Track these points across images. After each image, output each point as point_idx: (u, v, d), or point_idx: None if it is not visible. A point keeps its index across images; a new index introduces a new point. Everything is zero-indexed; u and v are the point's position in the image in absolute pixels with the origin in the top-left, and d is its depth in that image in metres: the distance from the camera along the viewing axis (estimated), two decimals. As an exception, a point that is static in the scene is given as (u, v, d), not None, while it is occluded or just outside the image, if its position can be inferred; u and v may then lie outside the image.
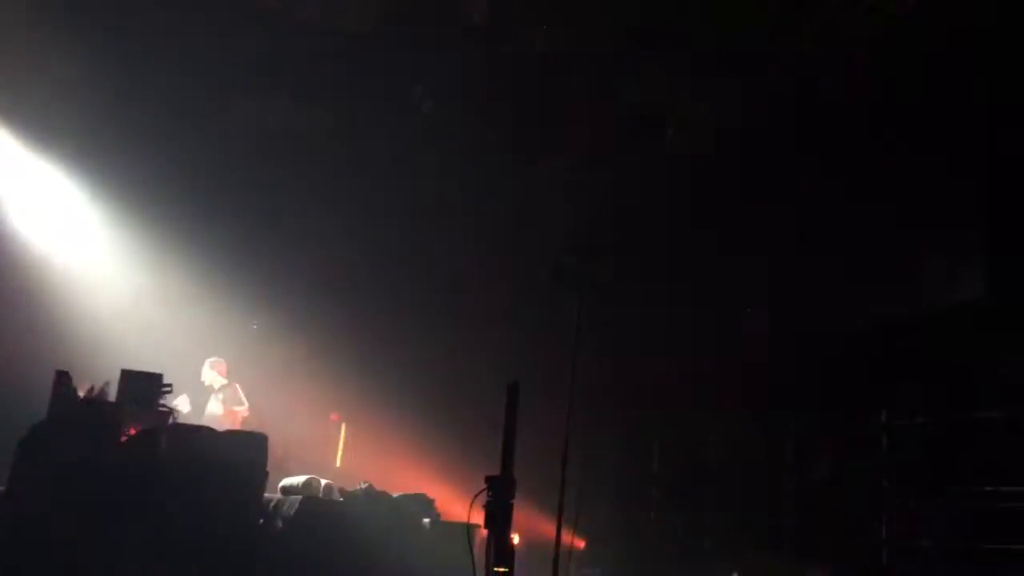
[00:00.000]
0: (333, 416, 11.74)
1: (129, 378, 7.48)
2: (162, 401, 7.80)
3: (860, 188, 7.96)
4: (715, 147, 9.17)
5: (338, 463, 11.44)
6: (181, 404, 9.27)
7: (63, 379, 6.97)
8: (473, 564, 4.94)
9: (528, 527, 8.37)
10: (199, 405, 9.85)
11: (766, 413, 8.87)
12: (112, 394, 7.31)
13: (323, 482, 8.71)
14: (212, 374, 9.99)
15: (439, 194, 10.52)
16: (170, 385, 7.92)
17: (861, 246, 8.01)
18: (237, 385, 10.07)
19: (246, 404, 9.91)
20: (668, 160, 9.65)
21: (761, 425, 8.90)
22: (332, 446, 11.65)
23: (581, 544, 9.63)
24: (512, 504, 4.98)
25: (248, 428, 9.38)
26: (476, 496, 4.99)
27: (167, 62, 9.25)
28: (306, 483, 8.55)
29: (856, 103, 7.85)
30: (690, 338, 9.66)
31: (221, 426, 9.11)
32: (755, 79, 8.27)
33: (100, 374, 7.40)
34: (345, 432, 11.71)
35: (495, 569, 4.81)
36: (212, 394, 10.01)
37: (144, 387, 7.60)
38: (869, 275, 7.90)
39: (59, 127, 9.83)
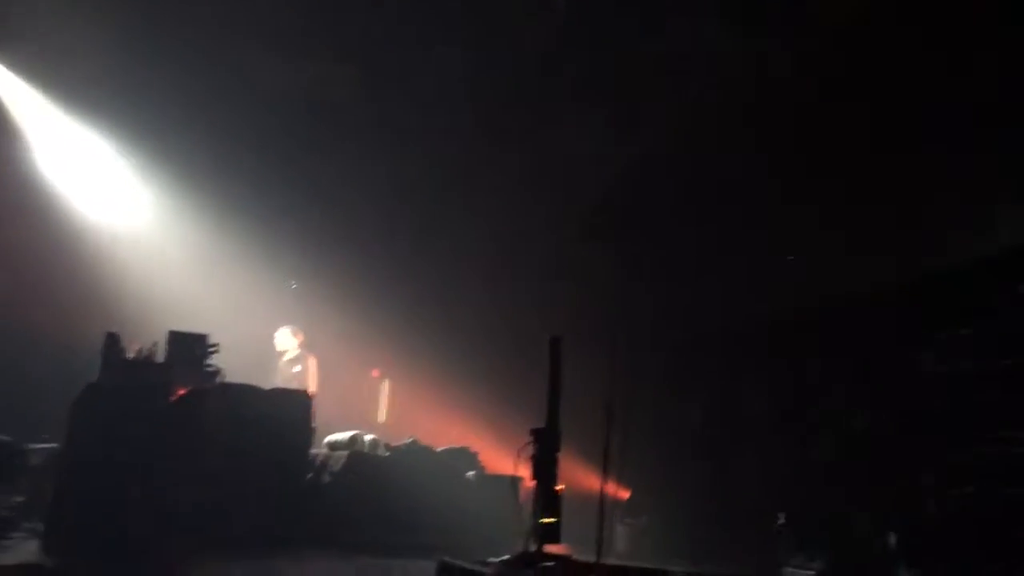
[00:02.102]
0: (375, 372, 11.84)
1: (176, 339, 7.61)
2: (208, 361, 7.94)
3: (902, 138, 7.78)
4: (755, 94, 8.99)
5: (381, 419, 11.56)
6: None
7: (113, 341, 7.09)
8: (520, 514, 4.98)
9: (572, 478, 8.44)
10: (266, 369, 9.86)
11: (805, 364, 8.81)
12: (160, 355, 7.43)
13: (368, 437, 8.83)
14: (293, 341, 9.90)
15: (477, 148, 10.45)
16: (216, 345, 8.04)
17: (905, 195, 7.85)
18: (314, 358, 9.91)
19: (314, 388, 9.60)
20: (704, 108, 9.49)
21: (801, 376, 8.85)
22: (374, 402, 11.76)
23: (625, 495, 9.71)
24: (558, 456, 5.00)
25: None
26: (522, 448, 5.02)
27: (203, 23, 9.24)
28: (352, 438, 8.68)
29: (901, 47, 7.64)
30: (730, 289, 9.58)
31: None
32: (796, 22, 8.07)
33: (148, 335, 7.52)
34: (388, 388, 11.81)
35: (542, 519, 4.84)
36: (283, 360, 9.90)
37: (191, 348, 7.73)
38: (914, 224, 7.76)
39: (101, 97, 9.91)
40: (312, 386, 9.54)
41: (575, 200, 10.15)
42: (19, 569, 5.09)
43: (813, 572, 6.10)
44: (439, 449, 9.09)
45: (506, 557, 4.90)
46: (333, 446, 8.76)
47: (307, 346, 9.98)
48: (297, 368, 9.74)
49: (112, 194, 10.70)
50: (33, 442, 7.52)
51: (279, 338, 9.91)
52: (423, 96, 9.98)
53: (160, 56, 9.39)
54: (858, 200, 8.36)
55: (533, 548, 4.85)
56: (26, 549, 6.09)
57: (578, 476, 8.35)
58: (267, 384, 8.88)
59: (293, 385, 9.33)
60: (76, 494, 6.24)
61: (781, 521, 7.64)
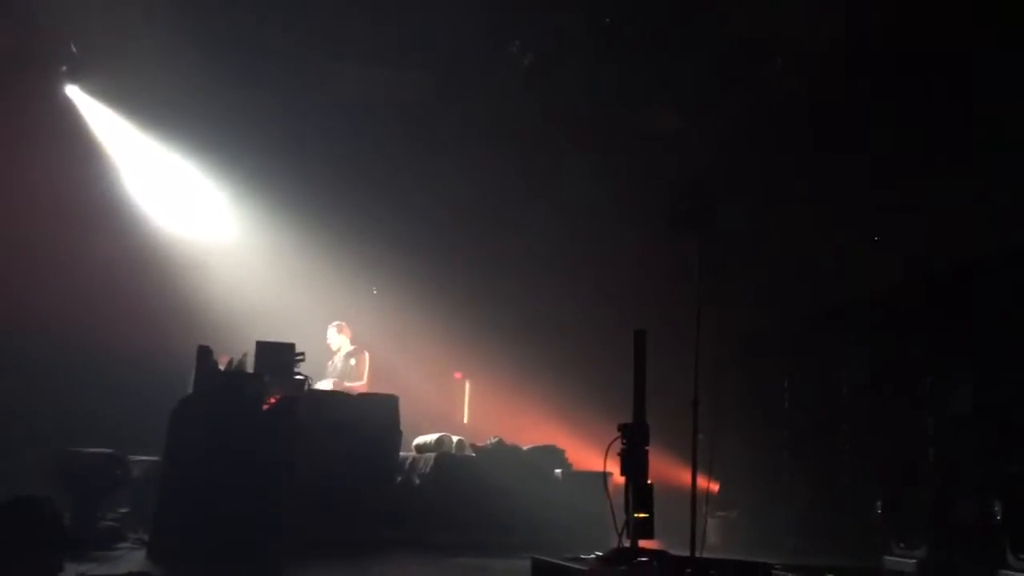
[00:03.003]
0: (456, 374, 11.93)
1: (264, 349, 7.77)
2: (296, 369, 8.10)
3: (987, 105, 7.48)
4: (823, 72, 8.78)
5: (465, 420, 11.65)
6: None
7: (205, 353, 7.28)
8: (612, 511, 4.95)
9: (661, 473, 8.36)
10: (322, 367, 9.99)
11: (899, 346, 8.55)
12: (250, 365, 7.60)
13: (455, 438, 8.91)
14: (340, 338, 10.04)
15: (550, 146, 10.45)
16: (303, 353, 8.19)
17: (990, 169, 7.55)
18: (366, 352, 10.01)
19: (364, 380, 9.74)
20: (778, 91, 9.31)
21: (894, 359, 8.59)
22: (458, 404, 11.85)
23: (715, 488, 9.59)
24: (647, 450, 4.96)
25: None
26: (611, 444, 4.99)
27: (275, 38, 9.46)
28: (438, 440, 8.78)
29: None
30: (816, 273, 9.37)
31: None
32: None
33: (237, 347, 7.71)
34: (470, 389, 11.89)
35: (635, 515, 4.80)
36: (336, 357, 10.03)
37: (279, 357, 7.89)
38: (1002, 199, 7.45)
39: (183, 117, 10.26)
40: (364, 379, 9.66)
41: (658, 187, 10.06)
42: (129, 578, 5.26)
43: (915, 561, 5.90)
44: (525, 447, 9.11)
45: (600, 554, 4.87)
46: (421, 448, 8.86)
47: (357, 340, 10.08)
48: (352, 362, 9.84)
49: (197, 210, 11.05)
50: (134, 454, 7.77)
51: (329, 336, 10.01)
52: (494, 93, 10.03)
53: (237, 73, 9.65)
54: (937, 175, 8.09)
55: (627, 544, 4.81)
56: (134, 558, 6.29)
57: (667, 470, 8.27)
58: (320, 381, 9.09)
59: (347, 380, 9.53)
60: (177, 503, 6.43)
61: (879, 509, 7.44)
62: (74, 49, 10.02)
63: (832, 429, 9.43)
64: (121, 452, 7.40)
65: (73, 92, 10.29)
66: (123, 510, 7.44)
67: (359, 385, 9.56)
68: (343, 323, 10.08)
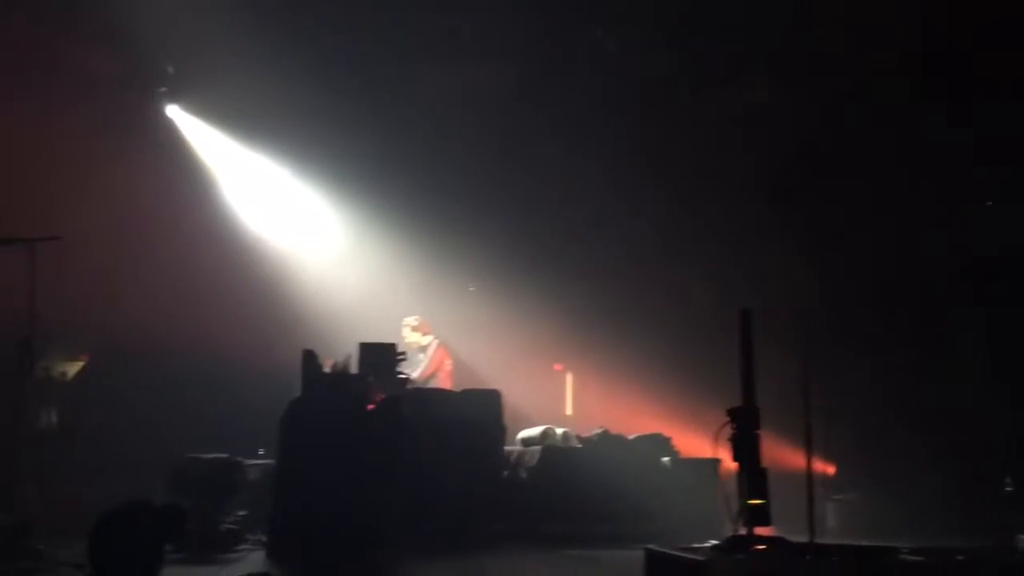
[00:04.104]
0: (557, 366, 11.88)
1: (367, 350, 7.89)
2: (398, 368, 8.21)
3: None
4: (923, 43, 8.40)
5: (568, 412, 11.59)
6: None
7: (310, 357, 7.43)
8: (726, 498, 4.81)
9: (774, 457, 8.14)
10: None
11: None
12: (354, 367, 7.72)
13: (559, 431, 8.87)
14: (415, 335, 9.97)
15: (640, 133, 10.31)
16: (404, 353, 8.30)
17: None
18: (435, 344, 9.94)
19: (418, 372, 9.58)
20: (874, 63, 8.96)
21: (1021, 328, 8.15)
22: (560, 396, 11.80)
23: (831, 470, 9.29)
24: (759, 434, 4.81)
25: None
26: (720, 429, 4.85)
27: (362, 42, 9.61)
28: (543, 433, 8.75)
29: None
30: (926, 244, 8.98)
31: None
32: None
33: (341, 350, 7.84)
34: (571, 380, 11.82)
35: (749, 501, 4.66)
36: (419, 353, 9.95)
37: (381, 357, 8.00)
38: None
39: (279, 128, 10.53)
40: (429, 370, 9.66)
41: (758, 162, 9.83)
42: (251, 578, 5.39)
43: (1052, 539, 5.59)
44: (631, 437, 9.00)
45: (715, 543, 4.75)
46: (526, 442, 8.85)
47: (433, 334, 10.04)
48: (420, 356, 9.84)
49: (296, 219, 11.32)
50: (249, 458, 7.99)
51: (406, 336, 9.95)
52: (581, 80, 9.94)
53: (328, 82, 9.85)
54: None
55: (742, 532, 4.67)
56: (253, 559, 6.46)
57: (779, 454, 8.04)
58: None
59: (419, 372, 9.55)
60: (292, 504, 6.58)
61: (1009, 486, 7.08)
62: (171, 70, 10.39)
63: (957, 404, 9.01)
64: (237, 456, 7.60)
65: (173, 111, 10.67)
66: (242, 513, 7.63)
67: (416, 374, 9.45)
68: (417, 319, 10.03)
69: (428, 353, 9.85)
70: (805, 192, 6.40)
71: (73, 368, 9.64)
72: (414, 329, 9.99)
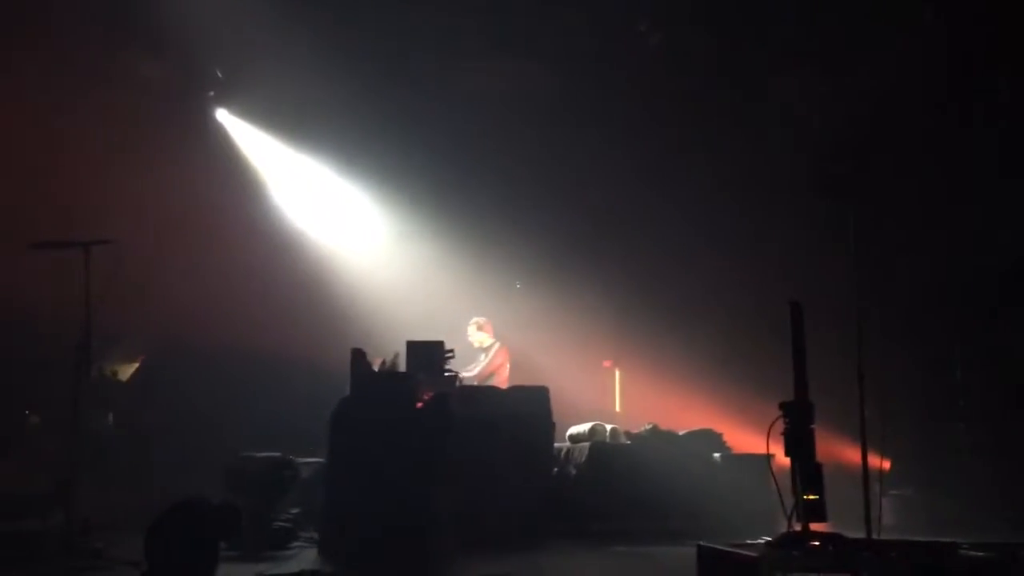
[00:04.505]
0: (606, 363, 11.82)
1: (415, 348, 7.93)
2: (447, 366, 8.22)
3: None
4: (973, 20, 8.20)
5: (617, 408, 11.53)
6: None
7: (358, 356, 7.48)
8: (780, 494, 4.73)
9: (829, 452, 8.00)
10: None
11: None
12: (402, 365, 7.77)
13: (608, 427, 8.83)
14: (480, 334, 10.13)
15: (686, 126, 10.22)
16: (452, 350, 8.31)
17: None
18: (497, 345, 10.05)
19: (476, 372, 9.74)
20: (923, 46, 8.76)
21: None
22: (609, 393, 11.75)
23: (888, 465, 9.11)
24: (813, 429, 4.72)
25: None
26: (772, 424, 4.77)
27: (396, 39, 9.66)
28: (592, 429, 8.72)
29: None
30: (981, 240, 8.76)
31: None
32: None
33: (389, 348, 7.88)
34: (620, 377, 11.76)
35: (805, 497, 4.58)
36: (483, 354, 10.11)
37: (430, 355, 8.03)
38: None
39: (320, 127, 10.66)
40: (488, 370, 9.75)
41: (807, 152, 9.68)
42: (300, 574, 5.44)
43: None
44: (681, 433, 8.92)
45: (768, 539, 4.67)
46: (575, 438, 8.83)
47: (497, 335, 10.13)
48: (482, 357, 9.93)
49: (345, 219, 11.43)
50: (301, 456, 8.07)
51: (470, 334, 10.09)
52: (627, 78, 9.88)
53: (374, 82, 9.92)
54: None
55: (797, 528, 4.59)
56: (306, 557, 6.53)
57: (834, 449, 7.92)
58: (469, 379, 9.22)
59: (478, 371, 9.70)
60: (343, 502, 6.62)
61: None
62: (219, 74, 10.55)
63: (1012, 399, 8.78)
64: (290, 455, 7.69)
65: (222, 116, 10.83)
66: (295, 510, 7.72)
67: (469, 375, 9.56)
68: (483, 320, 10.15)
69: (490, 354, 9.94)
70: (856, 185, 6.26)
71: (130, 369, 9.86)
72: (479, 328, 10.09)
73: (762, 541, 4.64)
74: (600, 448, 8.46)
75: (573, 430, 8.90)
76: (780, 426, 4.86)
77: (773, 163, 10.07)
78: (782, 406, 4.75)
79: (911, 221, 9.60)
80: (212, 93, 10.73)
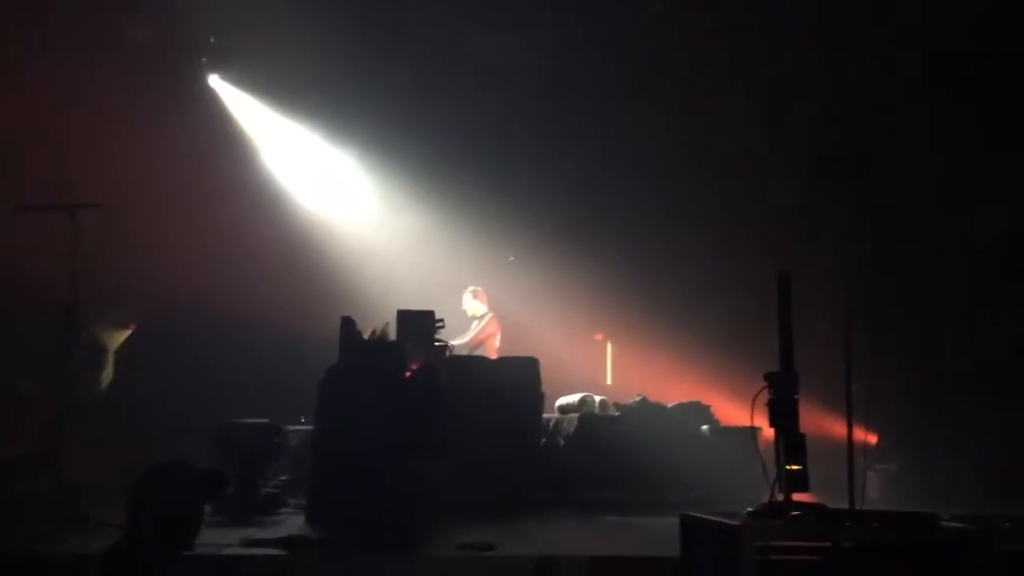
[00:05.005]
0: (598, 336, 11.84)
1: (405, 318, 7.92)
2: (437, 336, 8.22)
3: None
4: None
5: (608, 381, 11.57)
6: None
7: (348, 324, 7.47)
8: (763, 465, 4.74)
9: (815, 425, 8.04)
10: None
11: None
12: (392, 334, 7.76)
13: (598, 398, 8.85)
14: (475, 303, 10.14)
15: (685, 97, 10.16)
16: (442, 320, 8.30)
17: None
18: (490, 316, 10.06)
19: (467, 339, 9.80)
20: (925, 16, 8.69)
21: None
22: (600, 365, 11.78)
23: (874, 439, 9.15)
24: (797, 399, 4.71)
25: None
26: (757, 395, 4.76)
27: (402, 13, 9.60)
28: (581, 400, 8.74)
29: None
30: (978, 215, 8.73)
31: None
32: None
33: (379, 318, 7.87)
34: (611, 350, 11.79)
35: (788, 468, 4.58)
36: (476, 322, 10.12)
37: (420, 325, 8.03)
38: None
39: (316, 95, 10.61)
40: (478, 339, 9.79)
41: (801, 130, 9.63)
42: (286, 540, 5.47)
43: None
44: (670, 405, 8.94)
45: (751, 509, 4.68)
46: (564, 409, 8.84)
47: (493, 306, 10.15)
48: (474, 325, 9.96)
49: (338, 188, 11.39)
50: (290, 424, 8.09)
51: (464, 302, 10.13)
52: (624, 50, 9.81)
53: (371, 51, 9.88)
54: None
55: (780, 498, 4.60)
56: (293, 523, 6.56)
57: (821, 422, 7.95)
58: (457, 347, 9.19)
59: (467, 338, 9.76)
60: (329, 469, 6.64)
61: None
62: (212, 40, 10.45)
63: (1003, 371, 8.80)
64: (278, 422, 7.70)
65: (215, 82, 10.75)
66: (284, 477, 7.75)
67: (460, 343, 9.57)
68: (478, 288, 10.18)
69: (482, 323, 9.95)
70: (852, 161, 6.23)
71: (121, 336, 9.86)
72: (475, 296, 10.11)
73: (745, 511, 4.64)
74: (589, 419, 8.48)
75: (562, 401, 8.92)
76: (765, 396, 4.85)
77: (769, 137, 10.02)
78: (767, 376, 4.73)
79: (907, 197, 9.57)
80: (205, 59, 10.64)
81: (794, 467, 4.55)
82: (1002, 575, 3.89)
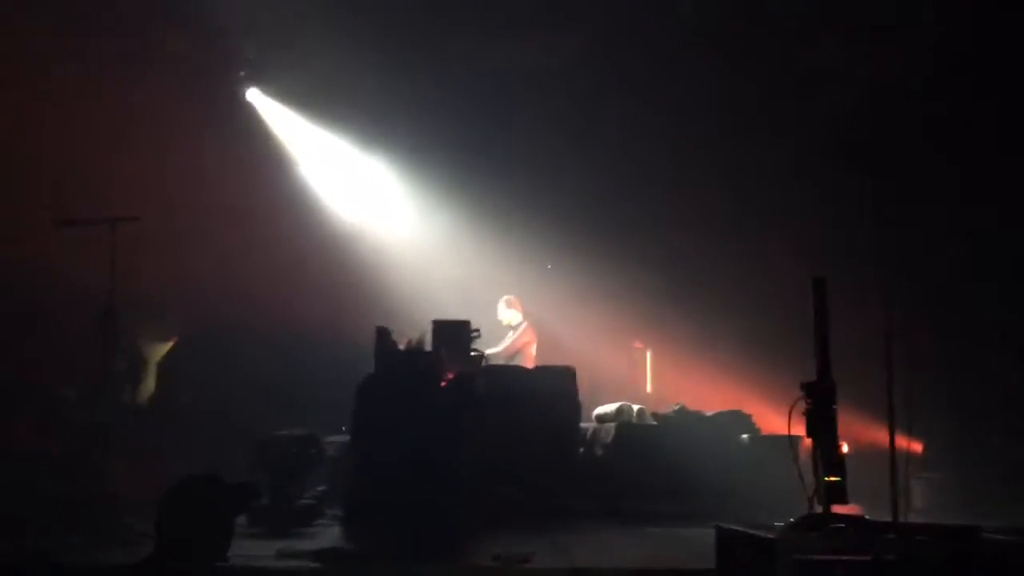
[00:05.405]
0: (637, 344, 11.76)
1: (440, 328, 7.92)
2: (473, 345, 8.21)
3: None
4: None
5: (648, 389, 11.47)
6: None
7: (384, 334, 7.48)
8: (800, 476, 4.65)
9: (857, 434, 7.89)
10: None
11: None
12: (428, 343, 7.76)
13: (635, 407, 8.77)
14: (510, 312, 10.13)
15: (710, 97, 10.06)
16: (478, 330, 8.29)
17: None
18: (525, 324, 10.05)
19: (501, 348, 9.80)
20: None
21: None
22: (640, 373, 11.69)
23: (918, 448, 8.95)
24: (835, 410, 4.61)
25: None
26: (793, 405, 4.68)
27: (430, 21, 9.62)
28: (619, 410, 8.67)
29: None
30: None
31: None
32: None
33: (415, 327, 7.87)
34: (651, 358, 11.70)
35: (826, 479, 4.49)
36: (511, 331, 10.12)
37: (455, 334, 8.02)
38: None
39: (349, 106, 10.68)
40: (515, 348, 9.78)
41: (826, 125, 9.47)
42: (320, 552, 5.47)
43: None
44: (709, 413, 8.84)
45: (790, 520, 4.59)
46: (601, 418, 8.78)
47: (527, 314, 10.14)
48: (511, 334, 9.94)
49: (374, 198, 11.46)
50: (328, 435, 8.11)
51: (500, 311, 10.10)
52: (647, 45, 9.74)
53: (402, 60, 9.91)
54: None
55: (819, 510, 4.51)
56: (330, 535, 6.56)
57: (862, 431, 7.79)
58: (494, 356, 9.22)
59: (504, 347, 9.75)
60: (366, 480, 6.64)
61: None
62: (250, 55, 10.59)
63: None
64: (316, 433, 7.73)
65: (253, 95, 10.88)
66: (321, 488, 7.77)
67: (494, 351, 9.57)
68: (512, 297, 10.17)
69: (517, 332, 9.93)
70: (884, 157, 6.09)
71: (163, 349, 9.99)
72: (509, 305, 10.11)
73: (783, 523, 4.56)
74: (626, 428, 8.41)
75: (600, 410, 8.86)
76: (803, 406, 4.76)
77: (805, 137, 9.87)
78: (804, 386, 4.65)
79: (948, 195, 9.35)
80: (243, 73, 10.78)
81: (833, 479, 4.47)
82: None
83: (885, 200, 5.78)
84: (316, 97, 10.74)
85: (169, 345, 10.15)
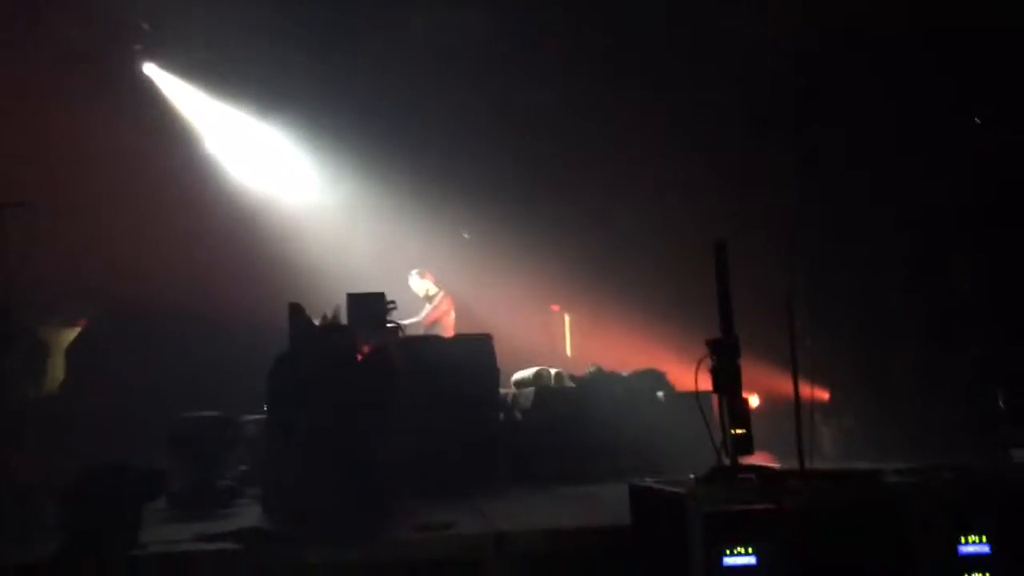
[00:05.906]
0: (554, 307, 11.86)
1: (355, 301, 7.86)
2: (389, 318, 8.17)
3: None
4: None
5: (568, 352, 11.60)
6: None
7: (297, 310, 7.38)
8: (708, 429, 4.79)
9: (768, 387, 8.13)
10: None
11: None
12: (343, 318, 7.69)
13: (553, 371, 8.86)
14: (423, 283, 10.14)
15: (628, 67, 10.11)
16: (394, 302, 8.25)
17: None
18: (442, 294, 10.12)
19: (420, 319, 9.90)
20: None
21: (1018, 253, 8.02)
22: (559, 337, 11.80)
23: (824, 395, 9.27)
24: (739, 365, 4.75)
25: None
26: (700, 362, 4.80)
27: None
28: (536, 374, 8.75)
29: None
30: (926, 165, 8.78)
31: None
32: None
33: (329, 303, 7.79)
34: (569, 321, 11.81)
35: (733, 432, 4.63)
36: (427, 302, 10.15)
37: (371, 307, 7.97)
38: None
39: (252, 79, 10.42)
40: (432, 318, 9.86)
41: (743, 90, 9.60)
42: (243, 533, 5.42)
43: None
44: (625, 373, 8.98)
45: (700, 474, 4.73)
46: (520, 384, 8.86)
47: (442, 284, 10.19)
48: (427, 305, 9.99)
49: (280, 173, 11.24)
50: (248, 414, 8.00)
51: (411, 283, 10.12)
52: (565, 21, 9.73)
53: (307, 32, 9.72)
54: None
55: (727, 462, 4.65)
56: (250, 514, 6.51)
57: (773, 383, 8.02)
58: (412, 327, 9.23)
59: (421, 318, 9.84)
60: (283, 457, 6.57)
61: (1003, 403, 7.04)
62: (146, 27, 10.22)
63: (949, 324, 8.92)
64: (232, 413, 7.61)
65: (150, 69, 10.54)
66: (243, 468, 7.69)
67: (412, 322, 9.59)
68: (423, 268, 10.13)
69: (434, 302, 9.91)
70: (796, 120, 6.23)
71: (70, 335, 9.68)
72: (421, 276, 10.05)
73: (691, 477, 4.69)
74: (545, 392, 8.50)
75: (517, 376, 8.93)
76: (708, 363, 4.89)
77: (714, 101, 10.01)
78: (709, 343, 4.78)
79: (854, 151, 9.59)
80: (139, 47, 10.42)
81: (739, 431, 4.61)
82: (945, 527, 3.95)
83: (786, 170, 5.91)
84: (214, 68, 10.43)
85: (76, 331, 9.84)
